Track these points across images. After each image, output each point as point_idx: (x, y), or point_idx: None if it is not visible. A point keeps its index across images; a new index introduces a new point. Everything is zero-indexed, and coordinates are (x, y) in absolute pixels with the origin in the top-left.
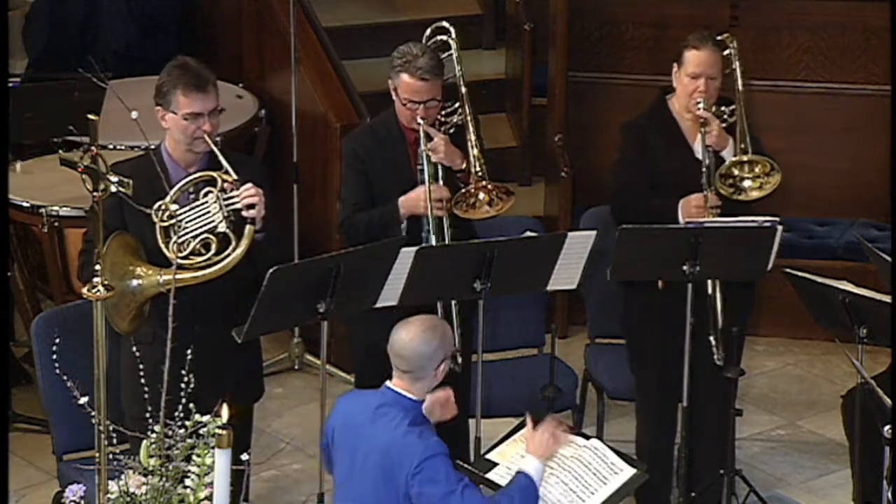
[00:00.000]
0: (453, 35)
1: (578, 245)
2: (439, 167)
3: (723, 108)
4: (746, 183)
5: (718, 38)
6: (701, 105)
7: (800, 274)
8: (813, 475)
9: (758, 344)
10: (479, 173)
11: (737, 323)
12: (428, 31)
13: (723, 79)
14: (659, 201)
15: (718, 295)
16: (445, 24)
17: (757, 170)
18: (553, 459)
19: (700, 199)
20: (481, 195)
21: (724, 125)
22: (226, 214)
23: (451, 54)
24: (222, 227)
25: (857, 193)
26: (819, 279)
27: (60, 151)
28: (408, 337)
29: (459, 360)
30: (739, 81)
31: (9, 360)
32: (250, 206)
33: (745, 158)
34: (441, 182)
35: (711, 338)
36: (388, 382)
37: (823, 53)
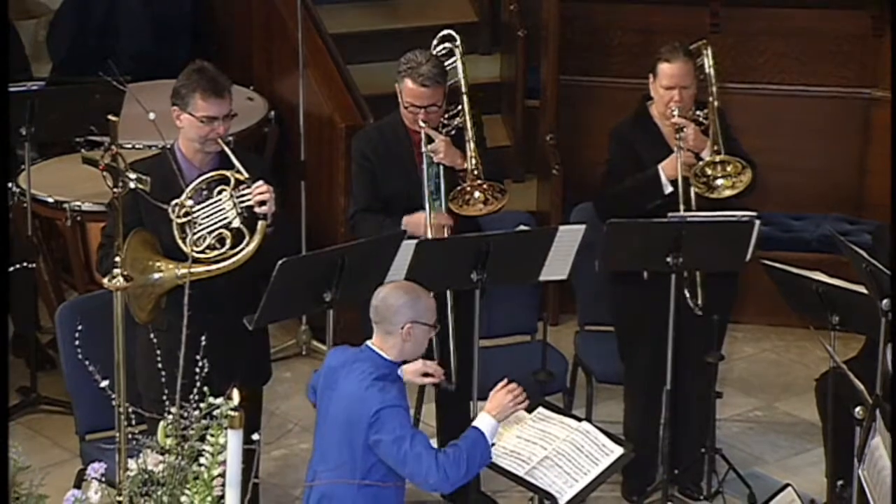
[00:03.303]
0: (458, 43)
1: (569, 238)
2: (441, 167)
3: (698, 112)
4: (719, 182)
5: (692, 46)
6: (675, 113)
7: (776, 265)
8: (788, 453)
9: (737, 331)
10: (475, 171)
11: (720, 311)
12: (435, 40)
13: (698, 83)
14: (637, 177)
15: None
16: (452, 32)
17: (729, 169)
18: (548, 443)
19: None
20: (477, 193)
21: (700, 128)
22: (239, 211)
23: (455, 61)
24: (236, 223)
25: (829, 190)
26: (794, 270)
27: (82, 150)
28: (383, 290)
29: (453, 379)
30: (714, 87)
31: (8, 353)
32: (262, 203)
33: (717, 159)
34: (443, 185)
35: (687, 291)
36: (368, 341)
37: (798, 58)
